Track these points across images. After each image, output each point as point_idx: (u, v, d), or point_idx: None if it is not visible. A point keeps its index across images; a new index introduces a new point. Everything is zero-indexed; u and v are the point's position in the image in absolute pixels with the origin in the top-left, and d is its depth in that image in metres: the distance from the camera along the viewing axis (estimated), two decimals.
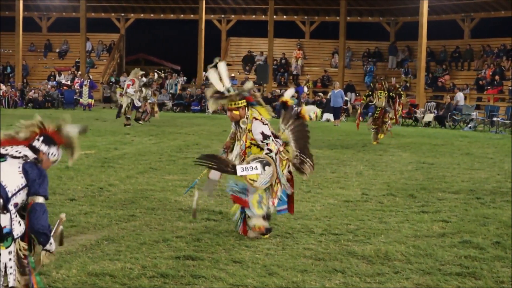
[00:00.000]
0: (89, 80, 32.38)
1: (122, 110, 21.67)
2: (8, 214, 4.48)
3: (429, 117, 27.33)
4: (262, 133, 7.18)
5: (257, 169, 7.02)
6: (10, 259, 4.52)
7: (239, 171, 7.02)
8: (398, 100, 18.39)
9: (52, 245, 4.64)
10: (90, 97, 31.97)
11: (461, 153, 16.00)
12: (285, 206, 7.54)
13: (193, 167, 12.45)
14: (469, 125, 25.72)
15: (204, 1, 35.70)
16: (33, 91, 33.91)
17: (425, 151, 16.33)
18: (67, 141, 4.94)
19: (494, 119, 25.21)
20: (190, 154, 14.45)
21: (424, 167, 13.31)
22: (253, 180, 7.06)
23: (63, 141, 4.93)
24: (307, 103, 30.62)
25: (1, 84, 34.31)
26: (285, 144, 7.51)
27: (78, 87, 33.23)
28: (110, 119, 24.50)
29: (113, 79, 37.36)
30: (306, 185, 10.72)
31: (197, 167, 12.25)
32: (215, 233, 7.33)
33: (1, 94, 33.06)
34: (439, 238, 7.33)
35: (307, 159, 7.61)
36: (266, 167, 7.07)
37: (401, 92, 18.47)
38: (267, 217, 7.26)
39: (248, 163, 7.08)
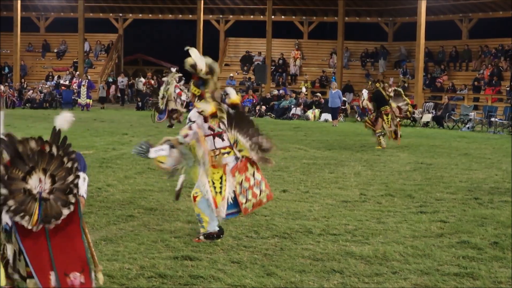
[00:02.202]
0: (87, 80, 32.36)
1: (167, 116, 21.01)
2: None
3: (427, 117, 27.35)
4: (189, 118, 7.30)
5: (164, 150, 7.08)
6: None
7: (151, 154, 7.08)
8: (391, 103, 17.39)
9: None
10: (88, 97, 31.94)
11: (459, 153, 16.01)
12: (235, 210, 7.27)
13: (191, 167, 12.44)
14: (467, 126, 25.73)
15: (202, 2, 35.70)
16: (31, 91, 33.90)
17: (423, 151, 16.33)
18: None
19: (492, 119, 25.24)
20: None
21: (422, 167, 13.32)
22: (161, 162, 7.14)
23: None
24: (305, 104, 30.70)
25: None
26: (236, 143, 7.39)
27: (76, 87, 33.22)
28: (108, 119, 24.52)
29: (110, 79, 37.36)
30: (305, 185, 10.74)
31: (195, 167, 12.27)
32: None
33: None
34: (437, 238, 7.34)
35: (262, 142, 7.48)
36: (173, 149, 7.15)
37: (390, 95, 17.39)
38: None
39: (161, 145, 7.12)
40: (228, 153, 7.29)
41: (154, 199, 9.32)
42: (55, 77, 37.31)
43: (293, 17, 38.99)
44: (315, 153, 15.33)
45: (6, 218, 4.51)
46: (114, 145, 15.86)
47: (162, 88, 21.48)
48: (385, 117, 17.01)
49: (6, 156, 4.46)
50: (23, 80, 36.32)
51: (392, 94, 17.44)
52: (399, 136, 17.33)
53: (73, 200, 4.64)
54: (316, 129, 23.41)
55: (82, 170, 4.95)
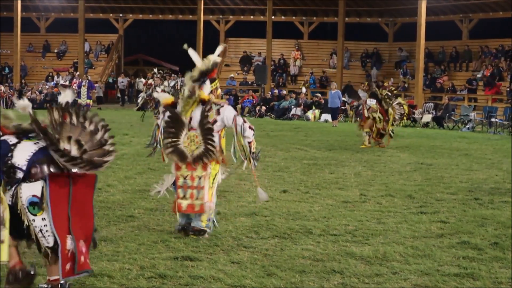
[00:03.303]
0: (87, 81, 32.37)
1: None
2: (37, 182, 4.89)
3: (427, 118, 27.36)
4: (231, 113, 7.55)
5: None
6: (45, 225, 4.90)
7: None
8: (384, 105, 17.47)
9: None
10: (89, 97, 31.97)
11: (459, 154, 16.01)
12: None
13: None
14: (468, 126, 25.74)
15: (202, 2, 35.72)
16: (30, 91, 33.90)
17: (423, 151, 16.33)
18: None
19: (492, 119, 25.24)
20: None
21: (422, 167, 13.31)
22: None
23: None
24: (305, 104, 30.71)
25: (0, 85, 34.35)
26: None
27: (77, 88, 33.23)
28: (108, 119, 24.47)
29: (111, 80, 37.37)
30: (305, 186, 10.73)
31: None
32: (214, 234, 7.32)
33: None
34: (438, 239, 7.33)
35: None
36: None
37: (384, 97, 17.45)
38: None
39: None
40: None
41: (154, 199, 9.30)
42: (55, 77, 37.30)
43: (294, 17, 39.01)
44: (316, 154, 15.33)
45: (35, 190, 4.86)
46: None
47: (164, 85, 21.75)
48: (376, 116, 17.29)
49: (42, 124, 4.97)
50: (23, 81, 36.33)
51: (385, 95, 17.55)
52: (386, 137, 17.49)
53: (111, 148, 5.09)
54: (316, 129, 23.42)
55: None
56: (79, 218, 5.04)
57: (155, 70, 23.68)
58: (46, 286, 5.12)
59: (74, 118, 4.99)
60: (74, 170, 5.00)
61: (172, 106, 7.57)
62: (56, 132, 4.93)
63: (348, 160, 14.34)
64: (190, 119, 7.38)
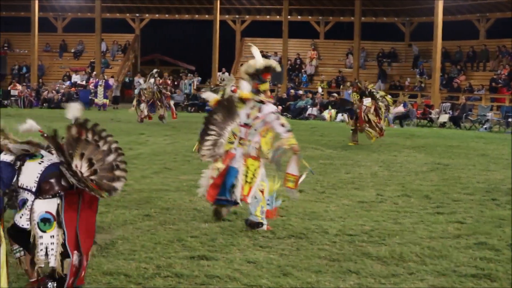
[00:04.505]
0: (104, 80, 32.52)
1: None
2: (52, 199, 4.91)
3: (444, 117, 27.22)
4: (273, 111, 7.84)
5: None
6: (52, 242, 4.89)
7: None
8: (376, 105, 17.46)
9: None
10: (105, 97, 32.12)
11: (476, 154, 15.92)
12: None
13: (207, 167, 12.46)
14: (485, 126, 25.59)
15: (218, 2, 35.77)
16: (46, 91, 34.09)
17: (440, 152, 16.26)
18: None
19: (510, 120, 25.07)
20: None
21: (439, 168, 13.25)
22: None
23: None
24: (321, 104, 30.66)
25: (17, 84, 34.57)
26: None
27: (93, 87, 33.38)
28: (124, 119, 24.61)
29: (127, 80, 37.50)
30: (321, 185, 10.72)
31: None
32: (230, 233, 7.33)
33: (16, 94, 33.28)
34: (454, 239, 7.30)
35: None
36: None
37: (376, 96, 17.57)
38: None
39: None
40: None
41: (170, 198, 9.34)
42: (72, 77, 37.49)
43: (310, 17, 38.94)
44: (332, 153, 15.30)
45: (49, 207, 4.89)
46: (131, 144, 15.90)
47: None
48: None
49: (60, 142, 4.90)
50: (40, 80, 36.55)
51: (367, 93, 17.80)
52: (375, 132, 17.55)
53: (122, 174, 5.08)
54: (333, 129, 23.36)
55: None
56: (85, 234, 5.07)
57: (154, 71, 24.03)
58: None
59: (89, 135, 4.98)
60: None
61: (218, 106, 7.69)
62: (70, 148, 4.92)
63: (364, 160, 14.30)
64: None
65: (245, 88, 7.77)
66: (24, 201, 4.91)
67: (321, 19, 38.80)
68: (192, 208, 8.71)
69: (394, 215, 8.54)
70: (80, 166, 4.91)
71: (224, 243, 6.92)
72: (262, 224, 7.54)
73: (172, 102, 24.63)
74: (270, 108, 7.71)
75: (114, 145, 5.09)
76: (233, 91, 8.00)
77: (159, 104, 23.41)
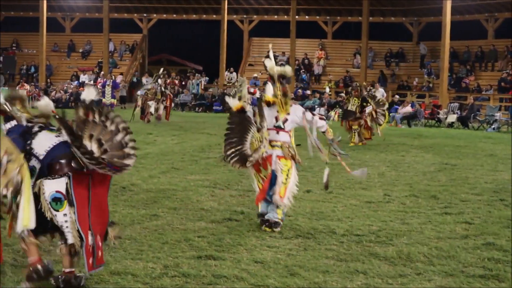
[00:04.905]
0: (111, 80, 32.59)
1: None
2: (61, 179, 5.06)
3: (452, 118, 27.16)
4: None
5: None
6: (66, 220, 5.07)
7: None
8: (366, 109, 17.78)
9: None
10: (113, 96, 32.17)
11: (484, 154, 15.87)
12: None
13: (215, 167, 12.49)
14: (493, 126, 25.51)
15: (226, 2, 35.78)
16: (54, 91, 34.16)
17: (448, 152, 16.22)
18: None
19: None
20: (212, 154, 14.48)
21: (447, 168, 13.22)
22: None
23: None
24: (329, 104, 30.63)
25: (25, 84, 34.67)
26: None
27: (101, 87, 33.43)
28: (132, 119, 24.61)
29: (135, 79, 37.55)
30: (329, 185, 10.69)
31: (219, 167, 12.32)
32: (237, 233, 7.34)
33: (25, 93, 33.35)
34: (462, 239, 7.28)
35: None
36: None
37: (369, 101, 17.83)
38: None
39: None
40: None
41: (178, 198, 9.35)
42: (80, 77, 37.56)
43: (317, 17, 38.89)
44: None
45: (59, 186, 5.05)
46: (138, 144, 15.89)
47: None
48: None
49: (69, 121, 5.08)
50: (48, 80, 36.64)
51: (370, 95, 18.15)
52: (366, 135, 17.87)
53: (132, 152, 5.26)
54: (340, 129, 23.30)
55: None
56: (97, 214, 5.20)
57: (161, 72, 24.17)
58: (60, 277, 5.25)
59: (96, 116, 5.10)
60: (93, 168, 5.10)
61: (241, 111, 7.74)
62: (79, 130, 5.04)
63: (372, 160, 14.28)
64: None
65: (269, 92, 7.94)
66: (32, 169, 5.04)
67: (329, 19, 38.75)
68: (200, 208, 8.72)
69: (402, 216, 8.53)
70: (90, 147, 5.03)
71: (231, 243, 6.92)
72: (279, 224, 7.55)
73: (172, 104, 24.75)
74: (300, 108, 8.03)
75: (122, 125, 5.22)
76: (252, 93, 8.19)
77: (157, 105, 23.45)
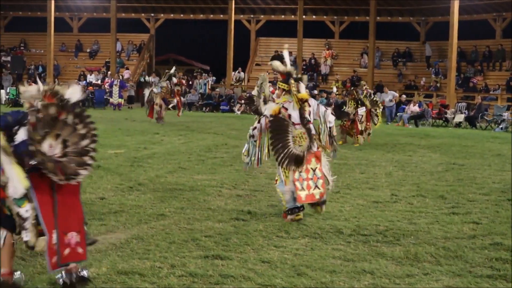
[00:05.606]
0: (119, 80, 32.65)
1: None
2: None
3: (459, 117, 27.10)
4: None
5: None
6: (27, 217, 5.01)
7: None
8: (357, 110, 17.86)
9: None
10: (120, 96, 32.25)
11: (492, 154, 15.83)
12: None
13: (222, 166, 12.51)
14: (501, 126, 25.44)
15: (233, 1, 35.79)
16: None
17: (455, 152, 16.18)
18: None
19: None
20: (219, 154, 14.49)
21: (454, 168, 13.19)
22: None
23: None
24: (336, 104, 30.60)
25: (33, 84, 34.72)
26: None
27: (108, 87, 33.50)
28: (139, 118, 24.66)
29: (142, 79, 37.59)
30: (335, 185, 10.66)
31: (226, 167, 12.33)
32: (244, 233, 7.33)
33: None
34: (470, 239, 7.26)
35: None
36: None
37: (363, 100, 17.94)
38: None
39: None
40: None
41: (185, 198, 9.35)
42: (87, 76, 37.63)
43: (324, 16, 38.88)
44: (346, 153, 15.26)
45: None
46: (145, 144, 15.95)
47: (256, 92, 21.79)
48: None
49: (32, 118, 5.00)
50: (56, 80, 36.71)
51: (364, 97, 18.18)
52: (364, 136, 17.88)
53: (90, 162, 5.12)
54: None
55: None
56: (68, 211, 5.13)
57: (172, 71, 24.21)
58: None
59: (69, 116, 5.05)
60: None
61: (281, 117, 8.04)
62: (48, 127, 4.98)
63: (379, 160, 14.26)
64: (289, 116, 8.03)
65: (303, 90, 8.21)
66: None
67: (336, 19, 38.73)
68: (207, 207, 8.72)
69: (409, 215, 8.51)
70: (54, 146, 4.98)
71: (238, 243, 6.92)
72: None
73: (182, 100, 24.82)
74: (313, 100, 8.34)
75: (92, 132, 5.14)
76: (271, 92, 8.55)
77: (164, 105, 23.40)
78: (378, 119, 18.19)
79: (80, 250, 5.18)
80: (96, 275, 5.70)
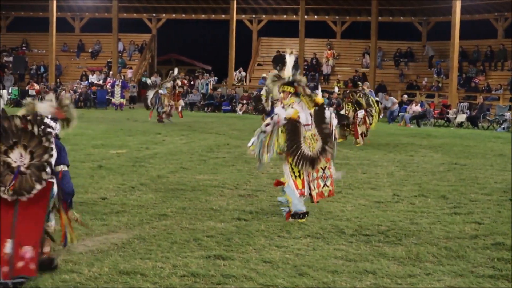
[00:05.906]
0: (121, 80, 32.65)
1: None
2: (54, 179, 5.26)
3: (461, 117, 27.07)
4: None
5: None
6: None
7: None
8: (357, 113, 17.87)
9: None
10: (122, 96, 32.25)
11: (494, 154, 15.82)
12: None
13: (223, 166, 12.51)
14: (503, 126, 25.41)
15: (235, 1, 35.76)
16: (64, 91, 34.24)
17: (457, 152, 16.17)
18: (66, 116, 5.82)
19: None
20: (220, 154, 14.49)
21: (456, 168, 13.19)
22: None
23: (63, 116, 5.81)
24: (338, 104, 30.59)
25: (35, 84, 34.77)
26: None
27: (110, 87, 33.50)
28: (141, 118, 24.66)
29: (143, 79, 37.60)
30: (337, 185, 10.66)
31: (228, 167, 12.34)
32: (246, 233, 7.34)
33: (34, 93, 33.46)
34: (472, 239, 7.26)
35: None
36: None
37: (360, 102, 17.96)
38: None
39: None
40: None
41: (187, 198, 9.36)
42: (89, 77, 37.65)
43: (326, 16, 38.85)
44: (348, 153, 15.26)
45: None
46: (147, 144, 15.96)
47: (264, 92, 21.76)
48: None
49: None
50: (58, 80, 36.74)
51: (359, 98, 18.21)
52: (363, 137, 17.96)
53: (45, 177, 5.16)
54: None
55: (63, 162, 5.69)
56: (28, 223, 5.10)
57: (176, 72, 24.26)
58: None
59: (35, 129, 5.08)
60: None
61: (296, 120, 8.12)
62: (16, 137, 5.04)
63: (380, 160, 14.26)
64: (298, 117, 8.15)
65: (320, 94, 8.56)
66: None
67: (338, 19, 38.70)
68: (208, 207, 8.72)
69: (411, 215, 8.51)
70: (24, 156, 5.05)
71: (240, 243, 6.92)
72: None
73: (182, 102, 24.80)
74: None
75: (51, 145, 5.18)
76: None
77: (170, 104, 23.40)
78: (373, 119, 18.16)
79: (32, 266, 5.15)
80: (98, 275, 5.70)
